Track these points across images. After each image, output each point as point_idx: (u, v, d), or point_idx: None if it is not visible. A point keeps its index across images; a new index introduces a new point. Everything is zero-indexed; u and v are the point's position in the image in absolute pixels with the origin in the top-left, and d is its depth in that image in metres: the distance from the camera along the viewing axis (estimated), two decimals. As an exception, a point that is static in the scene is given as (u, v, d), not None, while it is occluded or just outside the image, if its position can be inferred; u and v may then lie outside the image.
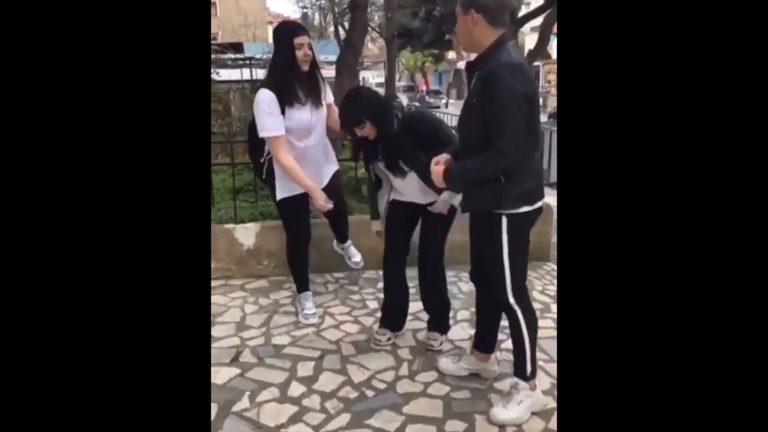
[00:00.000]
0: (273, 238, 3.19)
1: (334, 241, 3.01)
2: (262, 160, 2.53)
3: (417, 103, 2.47)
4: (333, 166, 2.67)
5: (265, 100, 2.30)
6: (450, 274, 2.95)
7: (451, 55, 33.83)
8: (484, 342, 2.16)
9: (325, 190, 2.57)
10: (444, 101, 27.44)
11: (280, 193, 2.50)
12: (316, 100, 2.43)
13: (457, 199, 2.23)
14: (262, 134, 2.34)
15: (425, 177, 2.09)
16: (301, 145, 2.44)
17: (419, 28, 29.03)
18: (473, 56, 1.73)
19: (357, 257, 2.98)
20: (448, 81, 35.30)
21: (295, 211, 2.55)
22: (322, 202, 2.36)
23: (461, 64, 29.59)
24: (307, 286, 2.76)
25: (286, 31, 2.34)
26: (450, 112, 12.94)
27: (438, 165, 1.84)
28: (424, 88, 32.04)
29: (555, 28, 6.00)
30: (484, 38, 1.67)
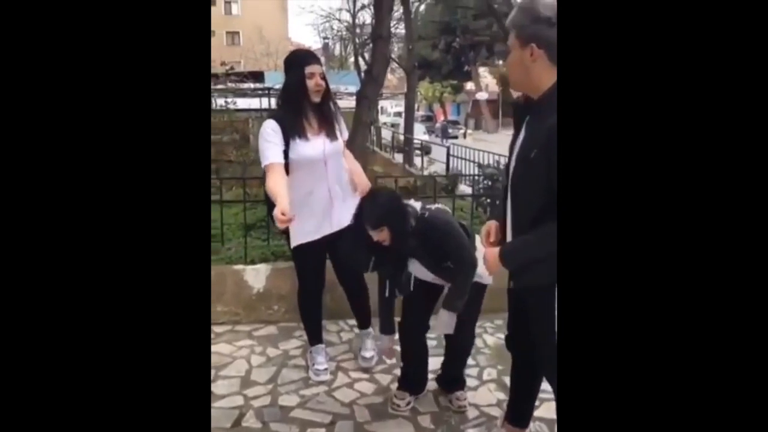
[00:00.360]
0: (284, 280, 2.97)
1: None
2: None
3: (432, 206, 2.27)
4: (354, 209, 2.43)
5: (267, 129, 2.12)
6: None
7: (469, 86, 34.08)
8: (519, 415, 1.90)
9: (341, 234, 2.32)
10: (462, 131, 27.42)
11: (296, 239, 2.29)
12: (330, 132, 2.22)
13: (484, 277, 2.05)
14: (263, 163, 2.11)
15: (445, 277, 2.02)
16: (318, 180, 2.22)
17: (438, 59, 29.36)
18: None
19: (369, 353, 2.52)
20: (467, 112, 35.42)
21: (310, 259, 2.33)
22: (278, 212, 1.85)
23: (480, 96, 29.79)
24: (319, 338, 2.53)
25: (297, 60, 2.16)
26: (468, 144, 12.79)
27: (490, 246, 1.61)
28: (442, 118, 32.12)
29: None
30: (543, 78, 1.39)
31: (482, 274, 2.02)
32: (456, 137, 22.75)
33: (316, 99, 2.16)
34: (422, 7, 23.69)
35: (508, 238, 1.56)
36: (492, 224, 1.70)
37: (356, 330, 2.92)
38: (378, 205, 1.94)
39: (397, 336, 2.22)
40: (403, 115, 15.83)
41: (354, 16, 18.10)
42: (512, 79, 1.48)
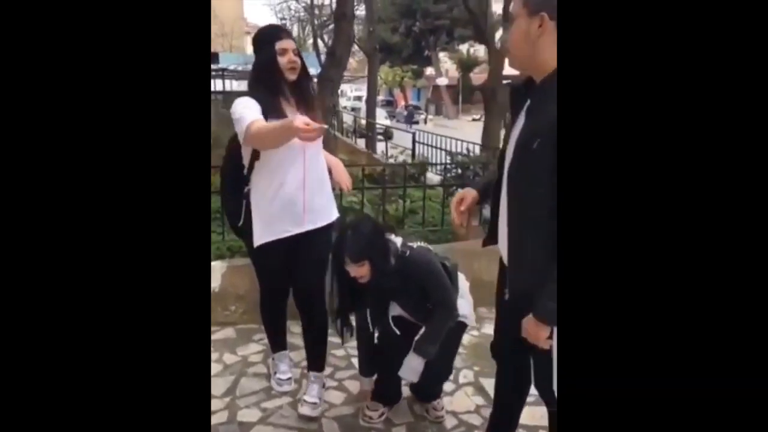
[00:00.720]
0: (242, 278, 2.73)
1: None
2: (244, 189, 2.01)
3: (414, 244, 2.05)
4: (330, 209, 2.09)
5: (243, 100, 1.83)
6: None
7: (429, 71, 33.94)
8: (503, 428, 1.75)
9: (308, 243, 2.03)
10: (423, 117, 27.31)
11: (261, 237, 1.98)
12: (310, 114, 1.95)
13: (468, 318, 1.97)
14: (238, 128, 1.78)
15: (423, 319, 1.91)
16: (293, 169, 1.92)
17: (399, 42, 29.03)
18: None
19: (312, 399, 2.05)
20: (427, 97, 35.33)
21: (275, 261, 2.05)
22: (301, 122, 1.56)
23: (440, 81, 29.77)
24: (283, 345, 2.31)
25: (266, 36, 1.90)
26: (429, 129, 12.65)
27: (459, 213, 1.50)
28: (402, 103, 31.93)
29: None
30: (552, 56, 1.14)
31: (467, 315, 1.97)
32: (417, 122, 22.67)
33: (292, 76, 1.90)
34: (382, -11, 23.33)
35: (502, 235, 1.38)
36: (468, 192, 1.55)
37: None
38: (362, 236, 1.79)
39: (375, 377, 2.07)
40: (365, 99, 15.53)
41: (313, -5, 17.53)
42: (513, 55, 1.25)
